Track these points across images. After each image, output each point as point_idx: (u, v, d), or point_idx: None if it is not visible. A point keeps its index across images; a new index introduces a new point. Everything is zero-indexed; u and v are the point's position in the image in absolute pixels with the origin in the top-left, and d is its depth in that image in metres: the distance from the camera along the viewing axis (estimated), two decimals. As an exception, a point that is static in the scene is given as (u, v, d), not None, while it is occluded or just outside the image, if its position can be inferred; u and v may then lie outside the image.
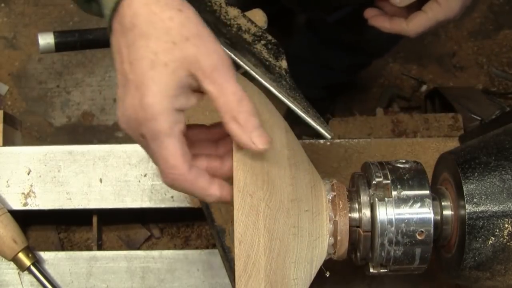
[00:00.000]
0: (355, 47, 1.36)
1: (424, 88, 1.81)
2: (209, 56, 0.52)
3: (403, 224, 0.65)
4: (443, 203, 0.69)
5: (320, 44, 1.42)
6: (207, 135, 0.61)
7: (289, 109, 0.80)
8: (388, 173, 0.67)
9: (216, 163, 0.59)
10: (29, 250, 0.88)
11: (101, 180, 0.93)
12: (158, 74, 0.51)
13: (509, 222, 0.62)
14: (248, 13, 0.86)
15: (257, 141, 0.54)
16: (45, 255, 0.91)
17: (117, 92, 0.55)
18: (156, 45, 0.51)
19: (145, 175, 0.93)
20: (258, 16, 0.88)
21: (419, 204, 0.66)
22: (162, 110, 0.51)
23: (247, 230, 0.57)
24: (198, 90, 0.54)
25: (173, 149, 0.53)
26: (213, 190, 0.57)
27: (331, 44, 1.39)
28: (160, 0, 0.52)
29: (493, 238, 0.63)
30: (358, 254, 0.69)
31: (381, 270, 0.68)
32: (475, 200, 0.64)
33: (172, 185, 0.56)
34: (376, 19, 0.86)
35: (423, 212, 0.65)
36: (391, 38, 1.30)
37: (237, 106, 0.52)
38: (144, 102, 0.51)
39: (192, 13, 0.53)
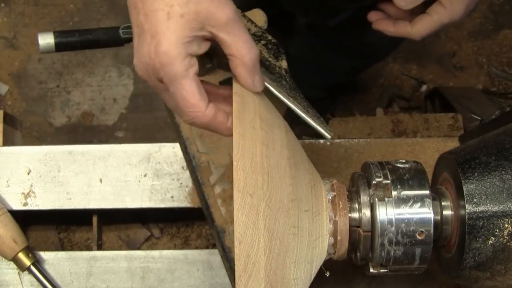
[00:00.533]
0: (355, 51, 1.36)
1: (424, 88, 1.81)
2: (224, 10, 0.58)
3: (403, 224, 0.65)
4: (443, 203, 0.69)
5: (320, 47, 1.42)
6: (218, 91, 0.66)
7: (289, 109, 0.79)
8: (388, 173, 0.67)
9: (229, 109, 0.64)
10: (29, 250, 0.88)
11: (101, 180, 0.93)
12: (174, 24, 0.56)
13: (509, 222, 0.62)
14: (248, 13, 0.86)
15: (257, 84, 0.62)
16: (45, 255, 0.91)
17: (133, 42, 0.60)
18: None
19: (145, 175, 0.93)
20: (258, 16, 0.88)
21: (419, 204, 0.66)
22: (177, 55, 0.57)
23: (247, 230, 0.57)
24: (208, 39, 0.59)
25: (191, 88, 0.58)
26: (231, 123, 0.61)
27: (332, 47, 1.39)
28: None
29: (493, 238, 0.63)
30: (358, 254, 0.69)
31: (381, 270, 0.68)
32: (475, 200, 0.64)
33: (192, 122, 0.61)
34: (380, 22, 0.86)
35: (423, 212, 0.65)
36: (391, 41, 1.30)
37: (248, 53, 0.59)
38: (160, 49, 0.56)
39: None
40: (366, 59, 1.43)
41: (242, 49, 0.59)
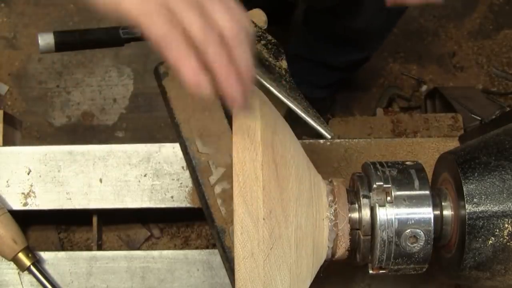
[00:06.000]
0: (348, 40, 1.35)
1: (424, 88, 1.81)
2: None
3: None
4: (443, 203, 0.69)
5: (315, 40, 1.43)
6: None
7: (289, 109, 0.80)
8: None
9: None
10: (29, 250, 0.88)
11: (101, 180, 0.93)
12: None
13: (509, 222, 0.62)
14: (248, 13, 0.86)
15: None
16: (45, 255, 0.91)
17: None
18: None
19: (145, 175, 0.93)
20: (258, 16, 0.88)
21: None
22: None
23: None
24: None
25: None
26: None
27: (326, 38, 1.39)
28: None
29: (493, 238, 0.63)
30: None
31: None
32: (475, 200, 0.64)
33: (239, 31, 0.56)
34: None
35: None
36: (382, 26, 1.29)
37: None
38: None
39: None
40: (360, 50, 1.43)
41: None
